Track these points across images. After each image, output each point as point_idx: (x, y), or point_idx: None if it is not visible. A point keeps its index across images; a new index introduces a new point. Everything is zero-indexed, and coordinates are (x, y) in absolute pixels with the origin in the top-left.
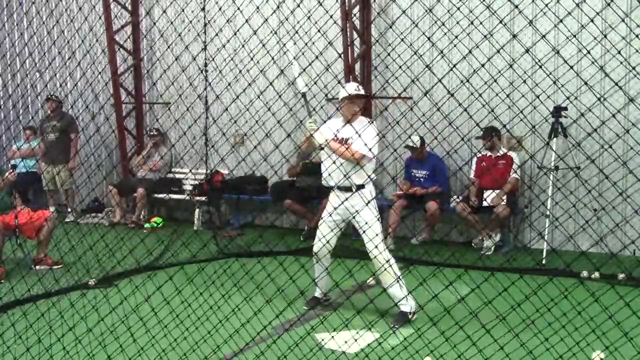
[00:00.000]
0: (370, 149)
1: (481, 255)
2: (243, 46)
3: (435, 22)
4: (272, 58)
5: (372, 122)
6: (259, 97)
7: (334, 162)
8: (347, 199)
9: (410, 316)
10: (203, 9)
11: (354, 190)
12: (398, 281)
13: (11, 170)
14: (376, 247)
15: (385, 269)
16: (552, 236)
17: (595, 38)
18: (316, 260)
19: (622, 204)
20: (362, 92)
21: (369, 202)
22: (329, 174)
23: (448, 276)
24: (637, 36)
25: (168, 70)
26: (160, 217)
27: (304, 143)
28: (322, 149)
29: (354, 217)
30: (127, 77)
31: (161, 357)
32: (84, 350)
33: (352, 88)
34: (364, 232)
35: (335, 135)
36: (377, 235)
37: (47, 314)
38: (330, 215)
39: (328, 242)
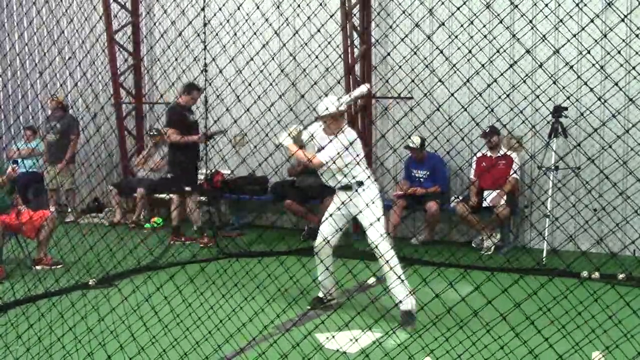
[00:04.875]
0: (332, 157)
1: (481, 255)
2: (244, 47)
3: (440, 26)
4: (273, 58)
5: (352, 133)
6: (259, 97)
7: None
8: (350, 196)
9: (413, 313)
10: (203, 9)
11: (354, 187)
12: (399, 277)
13: (14, 166)
14: (378, 237)
15: (387, 261)
16: (552, 236)
17: (596, 40)
18: (319, 260)
19: (623, 204)
20: (332, 109)
21: (371, 196)
22: (325, 175)
23: (448, 276)
24: (637, 36)
25: (168, 70)
26: (160, 217)
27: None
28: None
29: (358, 212)
30: (127, 77)
31: (162, 356)
32: (85, 350)
33: (323, 107)
34: (369, 224)
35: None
36: (379, 225)
37: (47, 314)
38: (331, 214)
39: (327, 241)
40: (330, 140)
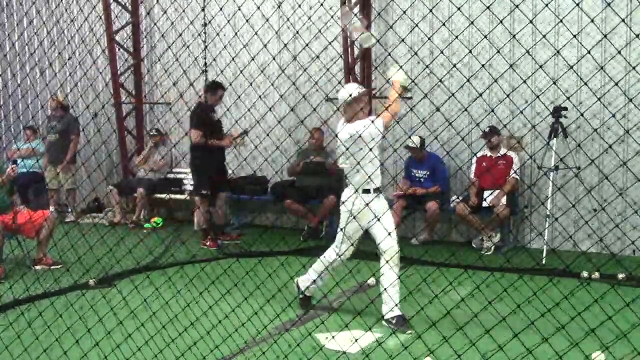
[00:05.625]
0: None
1: (481, 255)
2: (244, 46)
3: (441, 26)
4: (273, 58)
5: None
6: (260, 97)
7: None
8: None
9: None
10: (203, 9)
11: (381, 190)
12: (396, 285)
13: (14, 166)
14: (387, 235)
15: (393, 267)
16: (552, 236)
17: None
18: (329, 265)
19: (622, 204)
20: (357, 93)
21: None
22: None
23: (448, 276)
24: (637, 36)
25: (168, 70)
26: (160, 217)
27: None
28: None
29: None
30: (127, 77)
31: (160, 356)
32: (83, 350)
33: (350, 90)
34: (383, 230)
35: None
36: (393, 229)
37: (46, 314)
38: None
39: (351, 244)
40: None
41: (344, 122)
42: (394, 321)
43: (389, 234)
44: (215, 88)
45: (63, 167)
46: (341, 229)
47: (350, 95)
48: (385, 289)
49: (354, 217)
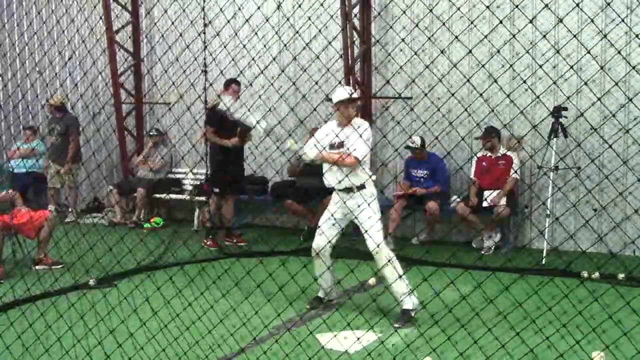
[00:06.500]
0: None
1: (481, 255)
2: (244, 46)
3: (440, 27)
4: (274, 59)
5: (367, 124)
6: (259, 97)
7: (334, 165)
8: (349, 198)
9: (412, 314)
10: (203, 9)
11: (355, 191)
12: (400, 277)
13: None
14: (377, 245)
15: (388, 264)
16: (552, 236)
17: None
18: (318, 262)
19: (622, 203)
20: (354, 95)
21: (369, 202)
22: (329, 176)
23: (449, 276)
24: (637, 36)
25: (168, 70)
26: (160, 217)
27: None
28: (313, 161)
29: (355, 217)
30: (128, 77)
31: (161, 356)
32: (83, 350)
33: (344, 93)
34: (365, 231)
35: (332, 143)
36: (378, 231)
37: (46, 314)
38: (332, 214)
39: (329, 241)
40: (360, 135)
41: (338, 123)
42: (402, 315)
43: (381, 241)
44: (227, 84)
45: (66, 169)
46: None
47: (350, 92)
48: (389, 286)
49: (336, 206)
